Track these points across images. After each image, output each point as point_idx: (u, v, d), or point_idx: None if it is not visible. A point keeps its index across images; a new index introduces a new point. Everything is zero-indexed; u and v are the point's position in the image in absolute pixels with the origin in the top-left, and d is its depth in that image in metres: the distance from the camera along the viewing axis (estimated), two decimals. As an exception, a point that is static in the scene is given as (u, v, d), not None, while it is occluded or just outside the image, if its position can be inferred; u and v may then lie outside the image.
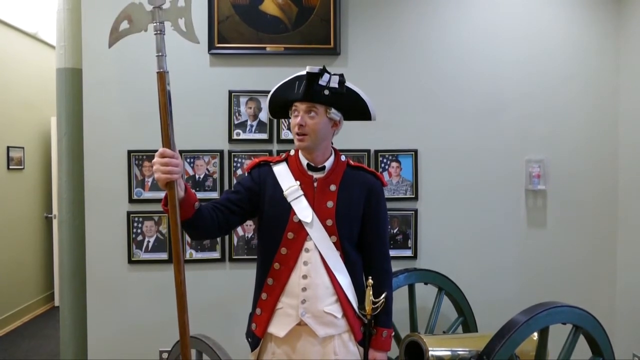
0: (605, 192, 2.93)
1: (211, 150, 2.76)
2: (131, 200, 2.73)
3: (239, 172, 2.77)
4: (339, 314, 1.70)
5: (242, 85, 2.77)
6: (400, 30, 2.83)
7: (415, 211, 2.84)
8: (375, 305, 1.70)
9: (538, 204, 2.90)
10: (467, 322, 2.66)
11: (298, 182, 1.72)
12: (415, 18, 2.83)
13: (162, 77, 1.50)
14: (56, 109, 2.82)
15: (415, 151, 2.83)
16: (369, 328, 1.73)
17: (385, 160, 2.82)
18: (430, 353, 2.09)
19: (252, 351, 1.77)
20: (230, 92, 2.75)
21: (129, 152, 2.72)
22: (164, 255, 2.75)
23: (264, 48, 2.74)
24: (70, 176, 2.78)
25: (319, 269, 1.68)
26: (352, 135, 2.74)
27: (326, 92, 1.64)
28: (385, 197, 2.74)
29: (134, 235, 2.74)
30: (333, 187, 1.73)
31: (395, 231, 2.83)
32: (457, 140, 2.85)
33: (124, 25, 1.54)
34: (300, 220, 1.68)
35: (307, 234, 1.69)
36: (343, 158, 1.80)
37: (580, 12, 2.89)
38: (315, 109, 1.66)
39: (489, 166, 2.87)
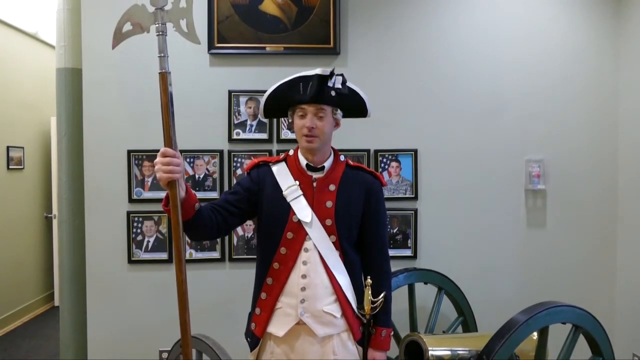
0: (605, 192, 2.93)
1: (211, 150, 2.76)
2: (131, 200, 2.73)
3: (239, 171, 2.77)
4: (338, 314, 1.70)
5: (242, 85, 2.77)
6: (400, 30, 2.83)
7: (415, 211, 2.84)
8: (374, 305, 1.70)
9: (538, 203, 2.90)
10: (466, 321, 2.66)
11: (297, 182, 1.72)
12: (415, 18, 2.83)
13: (164, 77, 1.51)
14: (56, 109, 2.82)
15: (415, 151, 2.83)
16: (368, 328, 1.73)
17: (385, 160, 2.82)
18: (430, 353, 2.08)
19: (251, 351, 1.77)
20: (230, 92, 2.75)
21: (129, 152, 2.72)
22: (163, 255, 2.75)
23: (264, 48, 2.74)
24: (70, 176, 2.79)
25: (318, 269, 1.69)
26: (352, 135, 2.74)
27: (332, 93, 1.65)
28: (385, 196, 2.77)
29: (133, 235, 2.74)
30: (332, 187, 1.73)
31: (395, 231, 2.83)
32: (457, 140, 2.85)
33: (127, 27, 1.56)
34: (299, 220, 1.68)
35: (307, 234, 1.69)
36: (342, 158, 1.81)
37: (580, 12, 2.89)
38: (323, 110, 1.67)
39: (489, 166, 2.87)
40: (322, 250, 1.69)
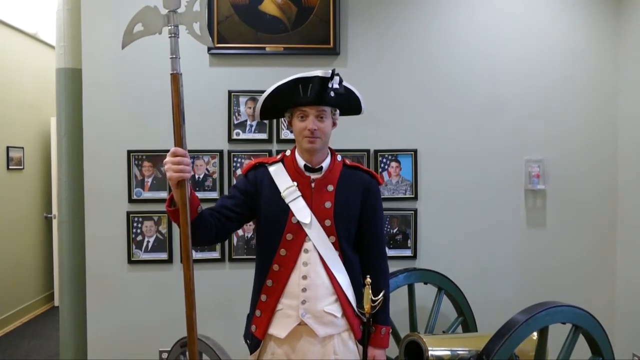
0: (604, 192, 2.93)
1: (211, 150, 2.76)
2: (131, 200, 2.73)
3: (239, 172, 2.77)
4: (339, 314, 1.70)
5: (242, 85, 2.77)
6: (400, 30, 2.83)
7: (415, 211, 2.84)
8: (375, 304, 1.70)
9: (537, 203, 2.90)
10: (466, 321, 2.66)
11: (295, 183, 1.71)
12: (415, 18, 2.83)
13: (176, 79, 1.54)
14: (56, 109, 2.82)
15: (415, 151, 2.83)
16: (368, 326, 1.74)
17: (384, 160, 2.82)
18: (430, 353, 2.09)
19: (251, 353, 1.77)
20: (229, 92, 2.76)
21: (129, 152, 2.72)
22: (163, 255, 2.75)
23: (264, 48, 2.74)
24: (70, 176, 2.79)
25: (319, 270, 1.69)
26: (351, 135, 2.74)
27: (332, 94, 1.65)
28: (385, 197, 2.78)
29: (133, 235, 2.74)
30: (330, 188, 1.73)
31: (394, 231, 2.83)
32: (456, 140, 2.85)
33: (138, 27, 1.57)
34: (298, 221, 1.68)
35: (306, 235, 1.69)
36: (339, 158, 1.81)
37: (580, 12, 2.89)
38: (324, 112, 1.67)
39: (489, 166, 2.87)
40: (322, 250, 1.69)
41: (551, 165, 2.88)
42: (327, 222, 1.69)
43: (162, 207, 2.71)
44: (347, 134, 2.70)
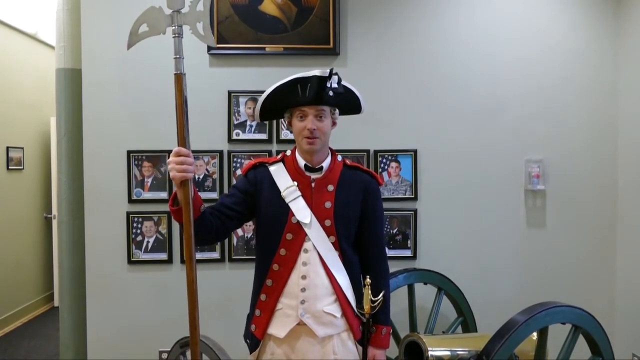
0: (604, 192, 2.93)
1: (211, 150, 2.76)
2: (131, 201, 2.73)
3: (239, 172, 2.77)
4: (338, 314, 1.70)
5: (242, 85, 2.77)
6: (400, 30, 2.83)
7: (415, 211, 2.84)
8: (374, 304, 1.70)
9: (537, 204, 2.90)
10: (466, 322, 2.66)
11: (295, 183, 1.71)
12: (415, 18, 2.83)
13: (180, 79, 1.55)
14: (56, 109, 2.82)
15: (415, 151, 2.83)
16: (368, 327, 1.73)
17: (384, 161, 2.82)
18: (430, 353, 2.09)
19: (251, 353, 1.77)
20: (229, 92, 2.76)
21: (129, 152, 2.72)
22: (163, 256, 2.75)
23: (264, 48, 2.74)
24: (70, 176, 2.79)
25: (318, 270, 1.69)
26: (351, 136, 2.74)
27: (330, 93, 1.65)
28: (385, 197, 2.78)
29: (133, 236, 2.74)
30: (331, 188, 1.73)
31: (394, 231, 2.83)
32: (456, 140, 2.85)
33: (143, 28, 1.58)
34: (298, 221, 1.68)
35: (306, 235, 1.69)
36: (339, 158, 1.80)
37: (580, 12, 2.89)
38: (323, 111, 1.67)
39: (489, 166, 2.87)
40: (322, 250, 1.69)
41: (551, 165, 2.88)
42: (327, 222, 1.69)
43: (162, 207, 2.73)
44: (347, 134, 2.70)
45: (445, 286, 2.63)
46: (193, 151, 2.71)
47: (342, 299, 1.71)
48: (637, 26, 2.80)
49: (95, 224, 2.73)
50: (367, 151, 2.81)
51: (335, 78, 1.65)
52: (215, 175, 2.77)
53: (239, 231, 2.77)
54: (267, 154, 2.76)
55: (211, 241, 1.80)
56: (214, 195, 2.75)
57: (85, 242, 2.74)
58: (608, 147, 2.92)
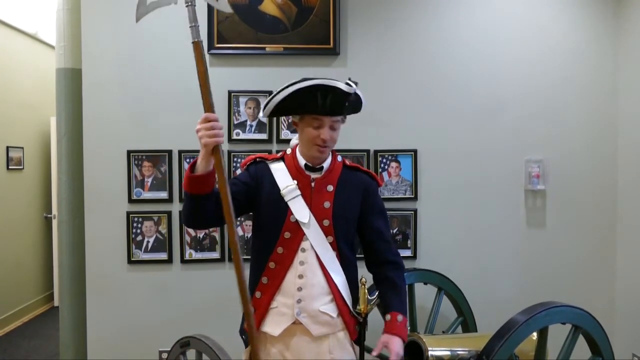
0: (604, 192, 2.93)
1: (211, 150, 2.75)
2: (131, 201, 2.73)
3: (239, 172, 2.76)
4: (335, 313, 1.70)
5: (242, 85, 2.77)
6: (400, 30, 2.83)
7: (415, 211, 2.84)
8: (371, 304, 1.70)
9: (537, 204, 2.90)
10: (466, 322, 2.66)
11: (295, 182, 1.71)
12: (415, 18, 2.83)
13: (198, 46, 1.50)
14: (56, 109, 2.82)
15: (415, 151, 2.83)
16: (364, 327, 1.73)
17: (384, 160, 2.82)
18: (430, 353, 2.09)
19: (245, 348, 1.77)
20: (229, 92, 2.75)
21: (129, 152, 2.72)
22: (163, 256, 2.75)
23: (264, 48, 2.74)
24: (70, 176, 2.78)
25: (315, 269, 1.68)
26: (351, 135, 2.74)
27: (347, 103, 1.65)
28: (385, 197, 2.79)
29: (133, 236, 2.74)
30: (330, 188, 1.72)
31: (394, 231, 2.83)
32: (456, 140, 2.85)
33: None
34: (297, 220, 1.68)
35: (304, 234, 1.68)
36: (339, 158, 1.80)
37: (580, 12, 2.89)
38: (338, 122, 1.68)
39: (489, 166, 2.87)
40: (319, 250, 1.68)
41: (551, 165, 2.88)
42: (326, 222, 1.69)
43: (162, 207, 2.74)
44: (347, 134, 2.68)
45: (445, 286, 2.63)
46: (194, 151, 2.74)
47: (339, 299, 1.70)
48: (637, 26, 2.80)
49: (95, 223, 2.73)
50: (367, 151, 2.81)
51: (352, 88, 1.63)
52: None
53: (239, 231, 2.77)
54: (267, 153, 2.75)
55: (211, 223, 1.74)
56: (214, 195, 2.75)
57: (85, 242, 2.74)
58: (608, 147, 2.92)
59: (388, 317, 1.72)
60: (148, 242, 2.75)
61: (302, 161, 1.74)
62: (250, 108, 2.77)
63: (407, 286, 2.54)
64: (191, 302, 2.77)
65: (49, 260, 5.22)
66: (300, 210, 1.68)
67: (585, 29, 2.90)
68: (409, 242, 2.84)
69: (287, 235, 1.69)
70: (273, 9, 2.74)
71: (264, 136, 2.78)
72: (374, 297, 1.73)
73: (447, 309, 2.71)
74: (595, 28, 2.90)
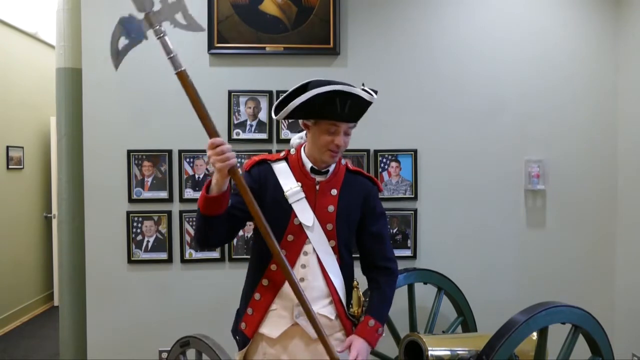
0: (604, 192, 2.93)
1: (211, 150, 2.75)
2: (131, 200, 2.73)
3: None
4: (333, 315, 1.70)
5: (242, 85, 2.77)
6: (400, 30, 2.83)
7: (415, 211, 2.84)
8: (365, 306, 1.70)
9: (537, 204, 2.90)
10: (466, 321, 2.66)
11: (299, 184, 1.69)
12: (415, 18, 2.83)
13: (182, 75, 1.48)
14: (56, 109, 2.82)
15: (415, 151, 2.83)
16: None
17: (384, 160, 2.82)
18: (430, 353, 2.09)
19: (239, 350, 1.75)
20: (229, 92, 2.75)
21: (129, 152, 2.72)
22: (163, 255, 2.75)
23: (264, 48, 2.74)
24: (70, 176, 2.79)
25: (316, 273, 1.68)
26: (351, 135, 2.73)
27: (365, 110, 1.65)
28: (385, 197, 2.79)
29: (133, 235, 2.74)
30: (334, 192, 1.71)
31: (394, 231, 2.83)
32: (456, 140, 2.86)
33: (123, 41, 1.50)
34: (300, 223, 1.67)
35: (307, 237, 1.67)
36: (343, 162, 1.79)
37: (580, 13, 2.89)
38: (352, 128, 1.67)
39: (489, 166, 2.87)
40: (321, 254, 1.68)
41: (551, 165, 2.88)
42: (329, 226, 1.68)
43: (162, 207, 2.74)
44: (347, 134, 2.69)
45: (445, 286, 2.63)
46: (194, 151, 2.74)
47: (337, 301, 1.70)
48: (637, 26, 2.80)
49: (95, 223, 2.73)
50: (367, 151, 2.81)
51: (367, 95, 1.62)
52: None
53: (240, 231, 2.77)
54: (267, 153, 2.76)
55: (220, 242, 1.74)
56: (214, 195, 2.75)
57: (85, 241, 2.74)
58: (608, 147, 2.92)
59: (362, 319, 1.71)
60: (148, 241, 2.75)
61: (308, 164, 1.71)
62: (250, 108, 2.77)
63: (407, 286, 2.57)
64: (191, 302, 2.77)
65: (49, 260, 5.22)
66: (304, 213, 1.67)
67: (585, 29, 2.90)
68: (408, 242, 2.85)
69: (290, 238, 1.68)
70: (273, 8, 2.74)
71: (264, 136, 2.78)
72: (367, 299, 1.73)
73: (447, 308, 2.71)
74: (595, 28, 2.90)
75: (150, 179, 2.74)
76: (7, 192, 4.59)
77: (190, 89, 1.48)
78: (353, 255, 1.82)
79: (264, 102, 2.75)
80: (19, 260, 4.75)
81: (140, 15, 1.48)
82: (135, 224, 2.73)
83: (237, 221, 1.68)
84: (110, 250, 2.73)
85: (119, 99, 2.73)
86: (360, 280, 1.77)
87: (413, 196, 2.84)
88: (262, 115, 2.77)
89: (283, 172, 1.72)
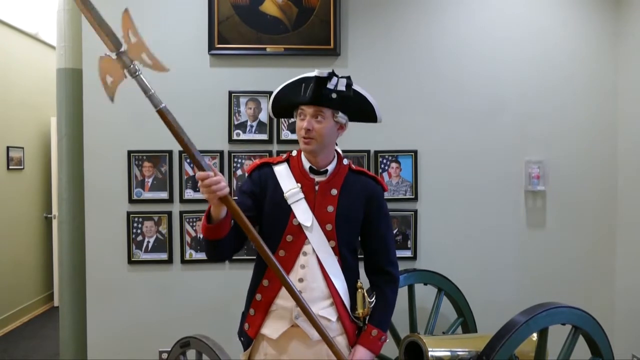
0: (604, 193, 2.93)
1: (211, 150, 2.76)
2: (131, 201, 2.73)
3: (239, 172, 2.77)
4: (334, 317, 1.68)
5: (242, 85, 2.77)
6: (400, 31, 2.83)
7: (415, 212, 2.84)
8: (370, 307, 1.70)
9: (537, 204, 2.90)
10: (466, 322, 2.66)
11: (299, 185, 1.70)
12: (415, 19, 2.83)
13: (162, 113, 1.52)
14: (56, 109, 2.82)
15: (415, 152, 2.83)
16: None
17: (385, 161, 2.82)
18: (430, 353, 2.09)
19: (244, 351, 1.76)
20: (230, 93, 2.76)
21: (129, 152, 2.72)
22: (163, 256, 2.75)
23: (264, 49, 2.75)
24: (70, 176, 2.79)
25: (316, 273, 1.67)
26: (351, 136, 2.72)
27: (334, 95, 1.63)
28: (385, 197, 2.76)
29: (133, 236, 2.74)
30: (334, 192, 1.71)
31: (395, 232, 2.83)
32: (456, 140, 2.86)
33: (109, 79, 1.55)
34: (299, 224, 1.67)
35: (306, 238, 1.67)
36: (345, 162, 1.79)
37: (580, 13, 2.89)
38: (322, 113, 1.64)
39: (489, 167, 2.87)
40: (321, 255, 1.67)
41: (551, 166, 2.88)
42: (329, 227, 1.68)
43: (162, 207, 2.74)
44: (347, 134, 2.66)
45: (445, 287, 2.63)
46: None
47: (339, 304, 1.69)
48: (637, 27, 2.80)
49: (95, 223, 2.73)
50: (368, 151, 2.81)
51: (342, 81, 1.64)
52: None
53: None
54: (267, 154, 2.76)
55: (228, 257, 1.77)
56: (214, 195, 2.75)
57: (85, 242, 2.74)
58: (608, 148, 2.92)
59: (365, 327, 1.72)
60: (148, 242, 2.75)
61: (306, 164, 1.72)
62: (250, 108, 2.77)
63: (407, 287, 2.57)
64: (191, 302, 2.77)
65: (49, 260, 5.22)
66: (303, 214, 1.67)
67: (585, 29, 2.90)
68: (409, 242, 2.85)
69: (289, 238, 1.68)
70: (274, 9, 2.74)
71: (264, 136, 2.78)
72: (373, 299, 1.72)
73: (447, 309, 2.71)
74: (595, 28, 2.90)
75: (150, 180, 2.74)
76: (8, 193, 4.60)
77: (172, 126, 1.51)
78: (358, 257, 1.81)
79: (264, 103, 2.76)
80: (19, 261, 4.76)
81: (114, 56, 1.53)
82: (135, 225, 2.74)
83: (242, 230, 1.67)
84: (111, 250, 2.73)
85: (120, 99, 2.70)
86: (363, 281, 1.76)
87: (413, 197, 2.84)
88: (263, 116, 2.77)
89: (283, 174, 1.73)
